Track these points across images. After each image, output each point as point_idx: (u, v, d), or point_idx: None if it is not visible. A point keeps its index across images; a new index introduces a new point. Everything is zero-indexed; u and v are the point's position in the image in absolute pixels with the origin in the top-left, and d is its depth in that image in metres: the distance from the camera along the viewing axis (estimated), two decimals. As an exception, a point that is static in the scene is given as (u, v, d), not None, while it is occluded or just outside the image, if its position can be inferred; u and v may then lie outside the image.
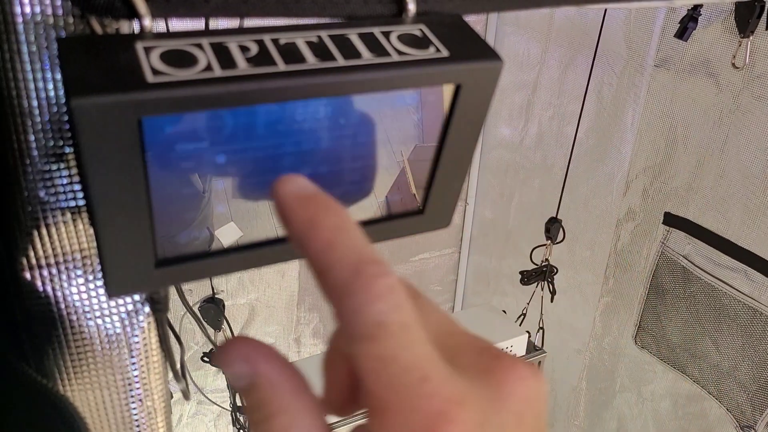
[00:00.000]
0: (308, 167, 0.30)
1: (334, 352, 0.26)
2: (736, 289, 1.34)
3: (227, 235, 0.30)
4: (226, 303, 1.45)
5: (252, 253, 0.31)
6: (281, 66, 0.26)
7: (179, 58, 0.25)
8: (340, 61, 0.27)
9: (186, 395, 0.39)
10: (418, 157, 0.32)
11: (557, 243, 1.51)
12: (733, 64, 1.28)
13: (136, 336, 0.32)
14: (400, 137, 0.32)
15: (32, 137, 0.27)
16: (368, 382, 0.21)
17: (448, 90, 0.30)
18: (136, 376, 0.33)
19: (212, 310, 1.40)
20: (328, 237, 0.22)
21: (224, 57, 0.25)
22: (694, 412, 1.53)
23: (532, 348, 1.42)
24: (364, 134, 0.30)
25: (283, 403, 0.23)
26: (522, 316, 1.53)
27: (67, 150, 0.28)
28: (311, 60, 0.26)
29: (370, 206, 0.33)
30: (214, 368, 1.52)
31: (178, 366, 0.36)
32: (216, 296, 1.41)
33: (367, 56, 0.27)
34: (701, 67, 1.35)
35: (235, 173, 0.28)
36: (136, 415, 0.33)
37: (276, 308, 1.93)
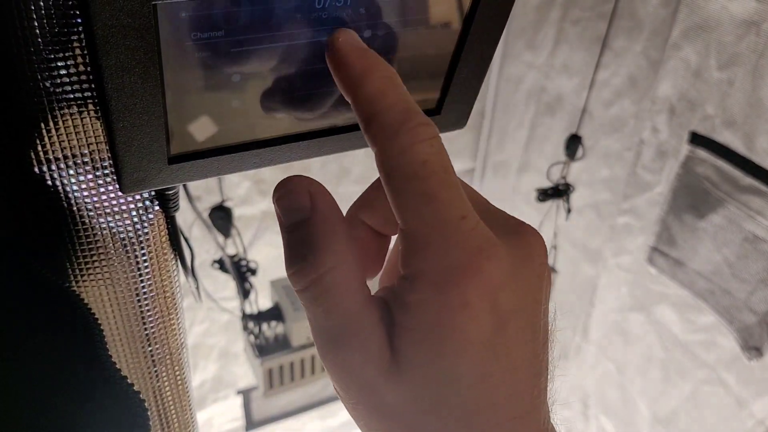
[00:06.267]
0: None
1: (354, 218, 0.29)
2: (760, 214, 1.32)
3: (201, 129, 0.28)
4: (235, 212, 1.44)
5: (266, 151, 0.30)
6: None
7: None
8: None
9: (197, 296, 0.39)
10: (409, 43, 0.30)
11: (576, 160, 1.49)
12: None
13: (147, 234, 0.31)
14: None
15: (36, 23, 0.26)
16: (409, 221, 0.23)
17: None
18: (147, 274, 0.32)
19: (221, 218, 1.40)
20: (380, 85, 0.24)
21: None
22: (702, 333, 1.54)
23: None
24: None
25: (333, 245, 0.24)
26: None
27: (74, 37, 0.26)
28: None
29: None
30: (224, 275, 1.54)
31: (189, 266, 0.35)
32: (225, 204, 1.41)
33: None
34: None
35: (248, 64, 0.27)
36: (149, 312, 0.33)
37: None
